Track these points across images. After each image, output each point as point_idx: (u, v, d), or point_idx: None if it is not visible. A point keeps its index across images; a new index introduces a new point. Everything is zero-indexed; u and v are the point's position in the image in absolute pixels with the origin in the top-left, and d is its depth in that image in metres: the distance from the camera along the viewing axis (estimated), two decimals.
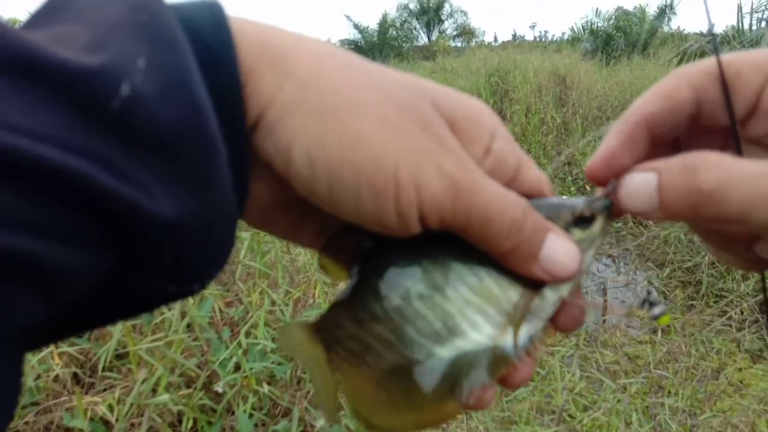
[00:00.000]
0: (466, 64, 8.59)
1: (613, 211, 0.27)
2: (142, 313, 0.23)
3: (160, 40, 0.18)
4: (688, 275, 3.19)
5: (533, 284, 0.26)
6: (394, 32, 14.17)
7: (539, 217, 0.25)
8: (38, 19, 0.20)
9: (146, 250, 0.19)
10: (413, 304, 0.25)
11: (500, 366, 0.25)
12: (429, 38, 15.16)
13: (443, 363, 0.25)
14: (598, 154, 0.28)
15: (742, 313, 2.80)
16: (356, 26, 14.02)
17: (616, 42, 10.47)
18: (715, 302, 2.94)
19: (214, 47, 0.20)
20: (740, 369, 2.46)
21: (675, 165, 0.24)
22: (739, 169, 0.22)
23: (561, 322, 0.27)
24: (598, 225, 0.27)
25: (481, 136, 0.25)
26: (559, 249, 0.25)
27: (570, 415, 2.06)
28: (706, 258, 3.14)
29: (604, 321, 2.98)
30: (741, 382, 2.36)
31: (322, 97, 0.21)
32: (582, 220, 0.26)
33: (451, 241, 0.25)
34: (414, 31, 14.96)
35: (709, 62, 0.27)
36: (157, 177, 0.18)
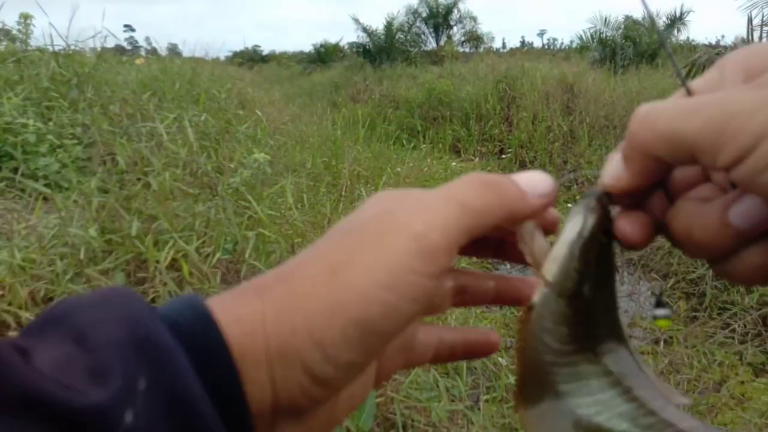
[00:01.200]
0: (474, 70, 8.57)
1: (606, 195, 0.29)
2: None
3: (157, 357, 0.19)
4: (691, 286, 3.18)
5: None
6: (402, 36, 14.16)
7: None
8: (39, 330, 0.20)
9: None
10: None
11: None
12: (437, 43, 15.15)
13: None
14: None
15: (745, 326, 2.79)
16: (365, 29, 14.02)
17: (625, 51, 10.46)
18: (718, 314, 2.93)
19: (204, 344, 0.21)
20: (742, 382, 2.45)
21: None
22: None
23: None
24: (580, 203, 0.29)
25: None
26: (524, 177, 0.29)
27: None
28: (711, 269, 3.12)
29: None
30: (743, 396, 2.35)
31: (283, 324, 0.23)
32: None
33: None
34: (422, 36, 14.96)
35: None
36: None
